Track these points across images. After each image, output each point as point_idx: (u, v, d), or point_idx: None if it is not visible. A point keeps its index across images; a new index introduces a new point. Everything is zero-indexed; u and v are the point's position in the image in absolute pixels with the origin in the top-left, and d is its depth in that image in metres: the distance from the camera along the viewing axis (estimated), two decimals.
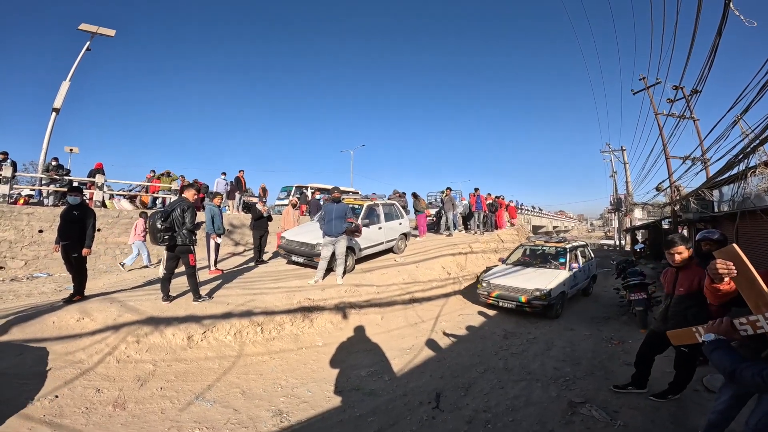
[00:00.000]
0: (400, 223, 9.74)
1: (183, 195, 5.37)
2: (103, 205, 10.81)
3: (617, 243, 26.42)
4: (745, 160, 6.15)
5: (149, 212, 8.39)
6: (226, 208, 12.98)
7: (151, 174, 12.72)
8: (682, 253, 2.94)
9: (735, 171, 6.91)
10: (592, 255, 10.25)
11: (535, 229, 28.46)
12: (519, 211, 22.26)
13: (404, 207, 12.71)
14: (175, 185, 12.23)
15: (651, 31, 7.67)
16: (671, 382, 3.29)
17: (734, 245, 1.79)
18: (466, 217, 14.45)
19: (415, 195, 13.10)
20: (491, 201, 14.66)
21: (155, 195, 12.36)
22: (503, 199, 16.92)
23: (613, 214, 30.94)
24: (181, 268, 5.34)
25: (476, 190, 14.04)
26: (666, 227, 14.59)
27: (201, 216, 7.09)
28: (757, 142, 5.47)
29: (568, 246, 8.37)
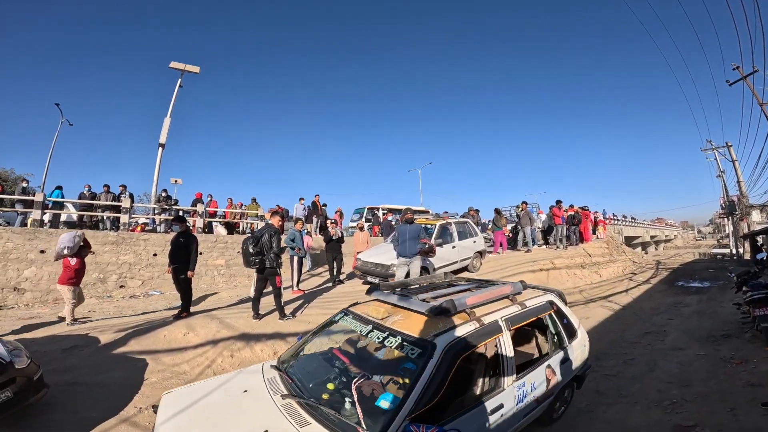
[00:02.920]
0: (474, 241, 9.61)
1: (269, 221, 5.97)
2: (205, 230, 11.97)
3: (733, 251, 22.60)
4: None
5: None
6: (306, 230, 13.96)
7: (230, 202, 13.98)
8: None
9: None
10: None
11: (628, 240, 25.69)
12: (608, 221, 20.39)
13: (477, 224, 12.56)
14: (261, 211, 13.45)
15: (744, 14, 6.86)
16: None
17: None
18: (546, 232, 13.70)
19: (497, 211, 12.90)
20: (573, 213, 13.75)
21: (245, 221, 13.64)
22: (588, 210, 15.73)
23: (725, 219, 26.72)
24: (269, 288, 5.84)
25: (558, 202, 13.31)
26: None
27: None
28: None
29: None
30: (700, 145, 22.79)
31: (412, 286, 3.43)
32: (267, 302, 6.25)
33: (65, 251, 5.59)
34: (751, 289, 5.81)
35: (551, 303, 3.34)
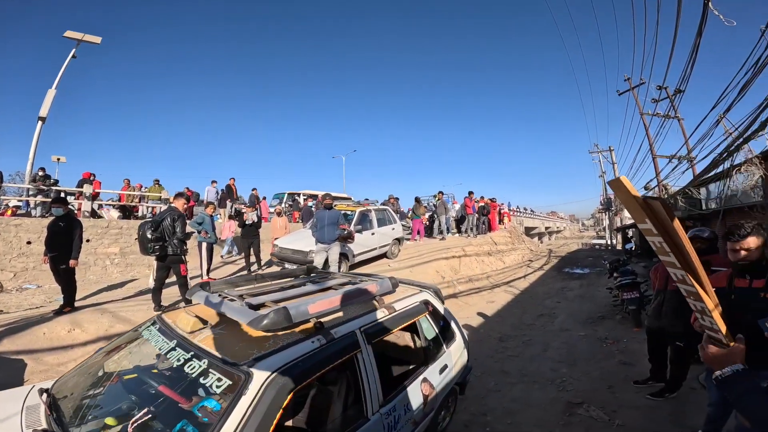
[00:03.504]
0: (393, 228, 9.74)
1: (172, 204, 5.37)
2: (93, 215, 10.61)
3: (608, 242, 26.71)
4: (730, 158, 6.25)
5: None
6: (218, 216, 12.89)
7: (126, 184, 12.57)
8: None
9: (720, 169, 7.01)
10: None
11: (528, 231, 28.64)
12: (512, 213, 22.42)
13: (397, 212, 12.79)
14: (166, 194, 12.10)
15: (633, 32, 7.83)
16: (667, 380, 3.32)
17: (622, 177, 1.23)
18: (460, 221, 14.51)
19: (417, 200, 13.23)
20: (483, 204, 14.75)
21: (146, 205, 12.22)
22: (496, 201, 17.03)
23: (603, 214, 31.31)
24: (173, 278, 5.28)
25: (470, 193, 14.13)
26: None
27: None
28: (741, 140, 5.57)
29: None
30: (589, 148, 26.14)
31: (257, 284, 2.69)
32: (172, 293, 5.62)
33: None
34: (620, 275, 6.74)
35: (426, 303, 2.82)
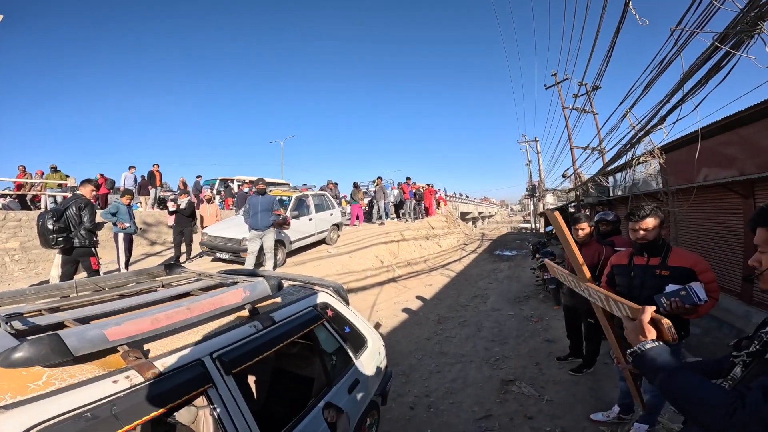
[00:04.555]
0: (332, 214, 9.55)
1: (79, 191, 4.77)
2: None
3: (533, 226, 29.02)
4: (632, 150, 6.95)
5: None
6: (138, 205, 11.62)
7: (22, 171, 10.88)
8: (585, 229, 3.31)
9: (624, 159, 7.79)
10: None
11: (463, 215, 30.03)
12: (447, 198, 23.28)
13: (335, 197, 12.57)
14: (73, 182, 10.58)
15: (563, 30, 8.31)
16: (584, 356, 3.63)
17: (555, 212, 1.90)
18: (398, 206, 14.70)
19: (356, 185, 13.10)
20: (416, 189, 15.09)
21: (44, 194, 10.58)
22: (432, 187, 17.49)
23: (529, 200, 33.85)
24: (82, 274, 4.66)
25: (407, 179, 14.32)
26: (572, 211, 16.33)
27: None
28: (642, 133, 6.21)
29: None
30: (518, 138, 27.89)
31: (81, 294, 1.99)
32: None
33: None
34: (542, 255, 7.29)
35: (324, 307, 2.28)
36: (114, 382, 1.17)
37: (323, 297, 2.35)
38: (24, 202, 10.31)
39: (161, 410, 1.21)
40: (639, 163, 7.01)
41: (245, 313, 1.79)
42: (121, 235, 6.30)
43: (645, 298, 2.01)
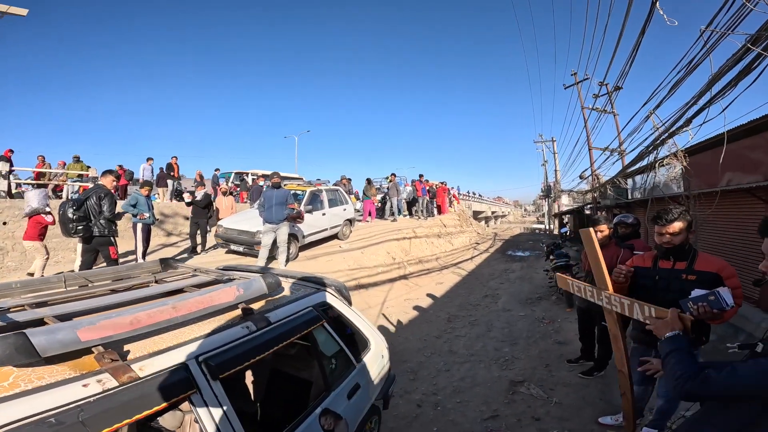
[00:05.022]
0: (345, 209, 9.59)
1: (100, 182, 4.92)
2: (10, 195, 9.33)
3: (547, 227, 28.62)
4: (655, 152, 6.78)
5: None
6: (156, 196, 11.90)
7: (41, 161, 11.25)
8: (604, 231, 3.26)
9: (646, 162, 7.61)
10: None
11: (476, 215, 29.82)
12: (460, 197, 23.14)
13: (349, 192, 12.63)
14: (94, 172, 10.90)
15: (584, 29, 8.14)
16: (595, 359, 3.59)
17: (590, 230, 2.12)
18: (411, 203, 14.68)
19: (368, 181, 13.16)
20: (429, 187, 15.02)
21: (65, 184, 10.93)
22: (446, 185, 17.40)
23: (543, 200, 33.38)
24: (101, 263, 4.82)
25: (420, 176, 14.27)
26: (588, 212, 16.07)
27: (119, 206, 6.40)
28: (666, 135, 6.05)
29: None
30: (534, 138, 27.49)
31: (70, 287, 1.93)
32: None
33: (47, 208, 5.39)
34: (555, 257, 7.19)
35: (324, 307, 2.16)
36: (84, 385, 1.08)
37: (324, 297, 2.22)
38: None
39: (136, 418, 1.10)
40: (662, 166, 6.85)
41: (238, 312, 1.66)
42: (139, 226, 6.47)
43: (669, 302, 1.98)
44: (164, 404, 1.17)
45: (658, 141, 6.47)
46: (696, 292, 1.78)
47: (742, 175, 4.61)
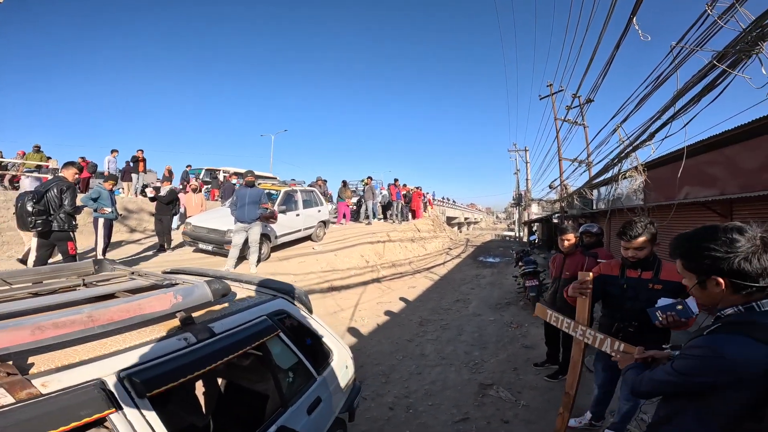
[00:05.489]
0: (319, 210, 9.50)
1: (61, 174, 4.70)
2: None
3: (517, 235, 29.46)
4: (619, 165, 7.11)
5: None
6: (120, 190, 11.36)
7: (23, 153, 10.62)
8: (571, 240, 3.40)
9: (610, 173, 7.97)
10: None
11: (449, 220, 30.26)
12: (435, 202, 23.44)
13: (324, 194, 12.52)
14: (54, 163, 10.30)
15: (563, 41, 8.47)
16: (560, 363, 3.70)
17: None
18: (386, 207, 14.72)
19: (344, 183, 13.09)
20: (405, 192, 15.14)
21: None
22: (421, 190, 17.57)
23: (514, 209, 34.33)
24: (57, 257, 4.54)
25: (396, 181, 14.36)
26: (556, 221, 16.67)
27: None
28: (630, 148, 6.36)
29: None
30: (508, 146, 28.29)
31: None
32: None
33: None
34: (524, 264, 7.38)
35: (280, 315, 2.00)
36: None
37: (281, 304, 2.05)
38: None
39: None
40: (624, 178, 7.18)
41: (176, 322, 1.49)
42: (101, 221, 6.14)
43: (638, 311, 2.08)
44: (73, 425, 1.00)
45: (623, 154, 6.78)
46: (662, 301, 1.88)
47: (700, 189, 4.90)
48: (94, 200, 5.98)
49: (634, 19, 3.91)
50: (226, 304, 1.81)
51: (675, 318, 1.79)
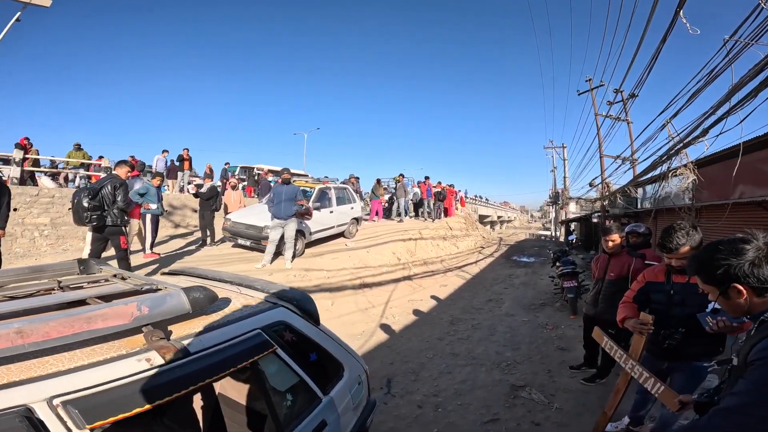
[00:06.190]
0: (352, 208, 9.65)
1: (114, 171, 5.04)
2: (22, 182, 9.53)
3: (553, 234, 28.44)
4: (668, 162, 6.72)
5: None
6: (165, 188, 12.09)
7: (25, 143, 11.53)
8: (615, 240, 3.26)
9: (658, 171, 7.53)
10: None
11: (481, 218, 29.72)
12: (467, 200, 23.10)
13: (357, 191, 12.70)
14: (107, 162, 11.10)
15: (603, 35, 8.10)
16: (598, 366, 3.58)
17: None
18: (417, 204, 14.69)
19: (378, 181, 13.27)
20: (439, 190, 15.03)
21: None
22: (454, 188, 17.38)
23: (551, 207, 33.16)
24: (110, 252, 4.90)
25: (426, 178, 14.28)
26: (595, 221, 15.96)
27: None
28: (681, 145, 6.00)
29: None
30: (544, 143, 27.36)
31: None
32: None
33: None
34: (562, 264, 7.14)
35: (279, 328, 1.70)
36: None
37: (280, 314, 1.73)
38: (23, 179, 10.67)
39: None
40: (675, 176, 6.77)
41: (140, 339, 1.23)
42: (148, 216, 6.57)
43: (686, 317, 2.00)
44: None
45: (673, 151, 6.41)
46: (713, 306, 1.79)
47: (755, 188, 4.56)
48: (142, 195, 6.40)
49: (681, 12, 3.69)
50: (212, 315, 1.50)
51: (726, 323, 1.71)
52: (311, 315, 1.92)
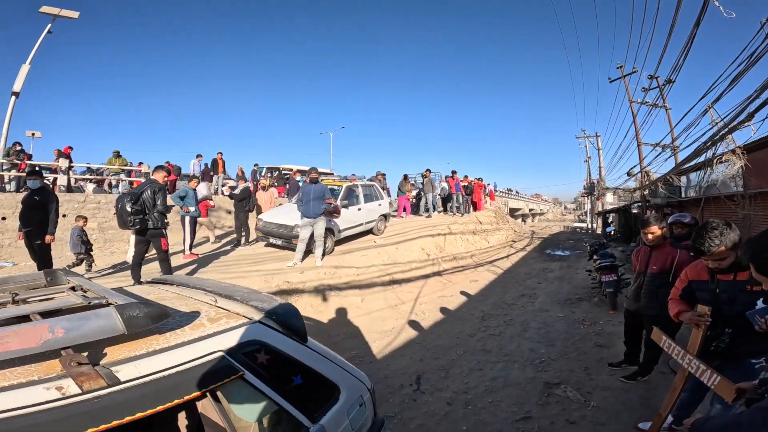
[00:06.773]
0: (380, 204, 9.70)
1: (153, 177, 5.32)
2: (69, 189, 10.25)
3: (589, 226, 27.36)
4: (713, 148, 6.32)
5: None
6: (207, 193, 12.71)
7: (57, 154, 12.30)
8: (655, 232, 3.07)
9: (702, 158, 7.11)
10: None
11: (512, 212, 29.06)
12: (497, 193, 22.65)
13: (384, 188, 12.75)
14: (146, 168, 11.73)
15: (631, 20, 7.71)
16: (640, 364, 3.43)
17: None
18: (446, 199, 14.56)
19: (405, 177, 13.27)
20: (467, 184, 14.81)
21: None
22: (482, 181, 17.08)
23: (586, 198, 31.90)
24: (152, 254, 5.19)
25: (454, 173, 14.13)
26: (635, 211, 15.22)
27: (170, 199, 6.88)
28: (726, 130, 5.63)
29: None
30: (576, 133, 26.33)
31: None
32: (152, 268, 5.53)
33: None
34: (600, 257, 6.85)
35: (250, 348, 1.42)
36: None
37: (253, 332, 1.46)
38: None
39: None
40: (720, 162, 6.38)
41: (56, 365, 1.06)
42: (187, 219, 6.91)
43: (735, 315, 1.90)
44: None
45: (717, 136, 6.04)
46: (760, 304, 1.70)
47: None
48: (182, 198, 6.74)
49: None
50: (165, 335, 1.30)
51: None
52: (296, 331, 1.63)
